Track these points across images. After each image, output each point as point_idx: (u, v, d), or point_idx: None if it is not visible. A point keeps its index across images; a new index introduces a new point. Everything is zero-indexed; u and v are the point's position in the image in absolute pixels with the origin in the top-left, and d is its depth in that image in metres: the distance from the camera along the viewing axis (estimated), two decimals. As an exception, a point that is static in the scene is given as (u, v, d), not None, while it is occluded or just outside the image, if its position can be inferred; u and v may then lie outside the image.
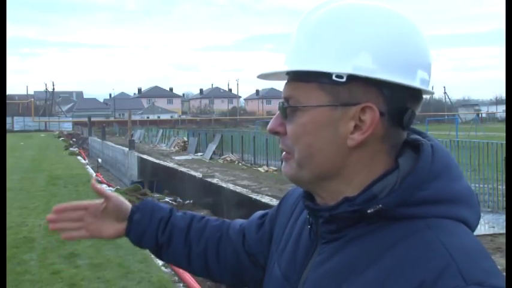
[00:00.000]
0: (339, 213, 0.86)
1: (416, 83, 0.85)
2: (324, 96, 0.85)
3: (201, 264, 1.25)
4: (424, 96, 0.90)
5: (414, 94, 0.86)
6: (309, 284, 0.91)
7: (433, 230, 0.80)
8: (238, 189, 11.29)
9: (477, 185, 9.96)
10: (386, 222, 0.83)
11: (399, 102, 0.85)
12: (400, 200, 0.82)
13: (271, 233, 1.15)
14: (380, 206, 0.82)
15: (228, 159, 20.41)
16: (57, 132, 55.28)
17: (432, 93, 0.92)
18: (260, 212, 1.26)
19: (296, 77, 0.88)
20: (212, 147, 22.46)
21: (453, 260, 0.76)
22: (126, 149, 21.58)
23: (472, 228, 0.86)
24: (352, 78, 0.82)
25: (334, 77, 0.82)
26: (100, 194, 1.25)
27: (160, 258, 1.32)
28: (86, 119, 46.78)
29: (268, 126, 0.93)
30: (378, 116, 0.83)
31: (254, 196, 10.13)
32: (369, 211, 0.83)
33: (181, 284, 6.11)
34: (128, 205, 1.27)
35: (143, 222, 1.25)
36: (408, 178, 0.83)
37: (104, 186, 14.45)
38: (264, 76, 0.95)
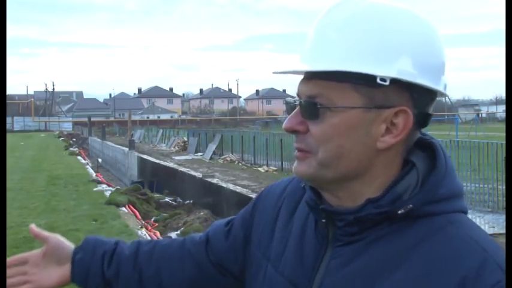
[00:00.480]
0: (364, 216, 0.85)
1: (442, 88, 0.88)
2: (359, 98, 0.83)
3: (154, 286, 1.16)
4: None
5: (433, 97, 0.88)
6: (330, 286, 0.88)
7: (455, 225, 0.83)
8: (238, 189, 11.29)
9: (477, 185, 9.96)
10: (408, 222, 0.84)
11: (424, 106, 0.87)
12: (426, 198, 0.84)
13: (246, 238, 1.10)
14: (411, 206, 0.83)
15: (228, 159, 20.41)
16: (57, 132, 55.25)
17: (447, 95, 0.93)
18: (222, 221, 1.21)
19: (326, 75, 0.84)
20: (212, 147, 22.45)
21: (488, 254, 0.79)
22: (126, 149, 21.58)
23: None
24: (390, 82, 0.82)
25: (378, 80, 0.81)
26: (37, 237, 1.18)
27: None
28: (86, 119, 46.79)
29: (286, 125, 0.89)
30: (412, 120, 0.84)
31: (254, 196, 10.13)
32: (399, 212, 0.83)
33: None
34: (70, 247, 1.18)
35: (86, 260, 1.15)
36: (431, 177, 0.85)
37: (104, 186, 14.46)
38: (283, 72, 0.91)
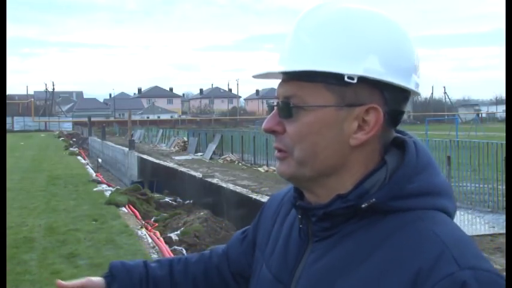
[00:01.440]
0: (332, 210, 0.89)
1: (412, 86, 0.90)
2: (331, 97, 0.87)
3: None
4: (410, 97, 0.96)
5: (406, 96, 0.91)
6: (303, 282, 0.92)
7: (424, 221, 0.84)
8: (238, 189, 11.30)
9: (477, 185, 9.97)
10: (378, 217, 0.87)
11: (396, 104, 0.90)
12: (392, 193, 0.86)
13: (254, 242, 1.16)
14: (373, 200, 0.85)
15: (228, 159, 20.41)
16: (57, 132, 55.24)
17: (419, 94, 0.96)
18: (241, 230, 1.27)
19: (300, 77, 0.88)
20: (212, 147, 22.46)
21: (447, 247, 0.80)
22: (126, 149, 21.59)
23: (452, 218, 0.90)
24: (359, 80, 0.85)
25: (346, 78, 0.85)
26: None
27: None
28: (86, 119, 46.79)
29: (264, 125, 0.93)
30: (382, 116, 0.87)
31: (254, 196, 10.14)
32: (362, 206, 0.86)
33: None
34: (100, 280, 1.21)
35: (124, 286, 1.19)
36: (397, 172, 0.87)
37: (104, 186, 14.46)
38: (261, 76, 0.96)
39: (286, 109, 0.90)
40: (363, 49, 0.86)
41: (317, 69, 0.85)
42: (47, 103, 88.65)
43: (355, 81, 0.85)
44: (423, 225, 0.83)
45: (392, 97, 0.89)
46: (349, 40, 0.86)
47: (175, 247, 8.19)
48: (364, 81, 0.85)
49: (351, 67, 0.85)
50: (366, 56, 0.86)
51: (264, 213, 1.16)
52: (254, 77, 0.96)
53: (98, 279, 1.21)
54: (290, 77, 0.90)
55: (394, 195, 0.86)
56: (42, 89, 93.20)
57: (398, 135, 0.94)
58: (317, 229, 0.92)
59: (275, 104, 0.93)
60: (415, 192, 0.86)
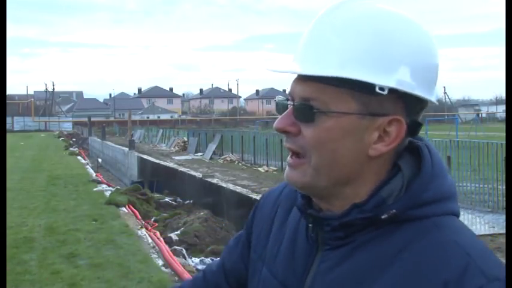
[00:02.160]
0: (349, 221, 0.86)
1: (434, 98, 0.88)
2: (355, 104, 0.83)
3: None
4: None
5: (423, 107, 0.89)
6: None
7: (441, 229, 0.83)
8: (238, 189, 11.30)
9: (477, 185, 9.97)
10: (393, 226, 0.84)
11: (415, 114, 0.88)
12: (410, 202, 0.84)
13: (248, 243, 1.12)
14: (394, 211, 0.83)
15: (228, 159, 20.41)
16: (57, 132, 55.23)
17: (435, 103, 0.93)
18: (232, 238, 1.23)
19: (323, 79, 0.83)
20: (212, 147, 22.46)
21: (471, 258, 0.79)
22: (126, 149, 21.59)
23: (458, 217, 0.90)
24: (388, 91, 0.82)
25: (377, 89, 0.81)
26: None
27: None
28: (86, 119, 46.80)
29: (277, 124, 0.88)
30: (405, 129, 0.85)
31: (254, 196, 10.14)
32: (382, 217, 0.84)
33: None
34: None
35: None
36: (416, 181, 0.85)
37: (104, 186, 14.46)
38: (279, 71, 0.89)
39: (306, 112, 0.85)
40: (396, 59, 0.82)
41: (346, 76, 0.81)
42: (47, 103, 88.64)
43: (385, 92, 0.81)
44: (442, 235, 0.82)
45: (413, 108, 0.86)
46: (381, 47, 0.82)
47: (175, 247, 8.19)
48: (391, 92, 0.82)
49: (382, 77, 0.81)
50: (398, 67, 0.82)
51: (257, 213, 1.12)
52: (269, 70, 0.89)
53: None
54: (311, 77, 0.84)
55: (413, 204, 0.84)
56: (42, 89, 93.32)
57: (411, 139, 0.91)
58: (329, 238, 0.89)
59: (289, 102, 0.88)
60: (430, 200, 0.84)
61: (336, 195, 0.88)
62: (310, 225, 0.92)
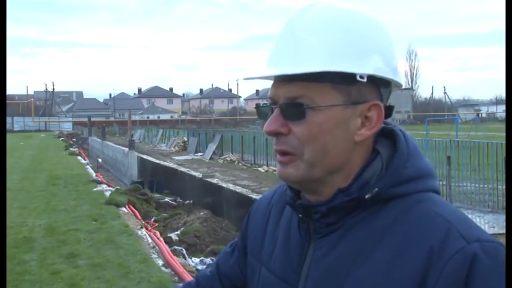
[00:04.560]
0: (336, 205, 0.91)
1: (401, 82, 0.96)
2: (338, 96, 0.89)
3: None
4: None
5: (391, 91, 0.97)
6: (312, 280, 0.93)
7: (424, 203, 0.89)
8: (238, 189, 11.30)
9: (477, 185, 9.97)
10: (379, 205, 0.90)
11: (387, 99, 0.95)
12: (392, 180, 0.90)
13: (244, 249, 1.15)
14: (376, 189, 0.89)
15: (228, 159, 20.42)
16: (57, 133, 55.24)
17: (401, 87, 1.00)
18: (228, 245, 1.25)
19: (305, 77, 0.87)
20: (212, 147, 22.46)
21: (451, 224, 0.85)
22: (126, 149, 21.59)
23: (439, 195, 0.96)
24: (362, 79, 0.89)
25: (358, 78, 0.87)
26: None
27: None
28: (86, 119, 46.78)
29: (268, 128, 0.91)
30: (383, 112, 0.92)
31: (254, 196, 10.14)
32: (366, 196, 0.89)
33: (181, 284, 6.11)
34: None
35: None
36: (393, 160, 0.91)
37: (104, 186, 14.46)
38: (255, 78, 0.92)
39: (295, 110, 0.89)
40: (368, 49, 0.90)
41: (330, 69, 0.86)
42: (47, 103, 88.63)
43: (365, 80, 0.88)
44: (424, 207, 0.88)
45: (386, 93, 0.94)
46: (354, 40, 0.89)
47: (175, 247, 8.19)
48: (368, 80, 0.89)
49: (361, 67, 0.88)
50: (371, 56, 0.89)
51: (251, 219, 1.16)
52: (246, 79, 0.93)
53: None
54: (292, 78, 0.88)
55: (394, 182, 0.90)
56: (42, 89, 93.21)
57: (384, 125, 0.97)
58: (319, 226, 0.94)
59: (274, 105, 0.91)
60: (410, 177, 0.90)
61: (327, 184, 0.93)
62: (300, 215, 0.97)
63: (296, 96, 0.89)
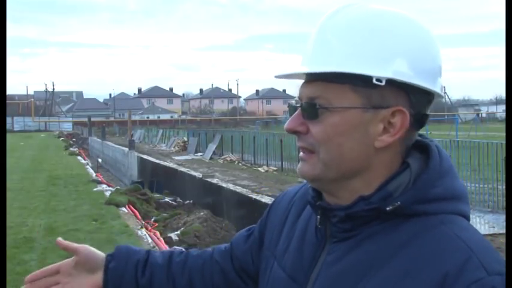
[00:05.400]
0: (355, 212, 0.89)
1: (438, 89, 0.90)
2: (357, 98, 0.87)
3: None
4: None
5: (430, 99, 0.91)
6: (320, 283, 0.92)
7: (447, 225, 0.85)
8: (238, 189, 11.30)
9: (477, 185, 9.96)
10: (400, 220, 0.87)
11: (421, 107, 0.90)
12: (416, 197, 0.86)
13: (260, 240, 1.15)
14: (398, 203, 0.86)
15: (228, 159, 20.42)
16: (57, 133, 55.23)
17: (442, 97, 0.95)
18: (246, 228, 1.26)
19: (325, 78, 0.88)
20: (212, 147, 22.46)
21: (473, 252, 0.80)
22: (126, 149, 21.58)
23: (469, 221, 0.91)
24: (387, 83, 0.85)
25: (374, 81, 0.85)
26: (67, 249, 1.19)
27: None
28: (86, 119, 46.80)
29: (287, 125, 0.93)
30: (408, 119, 0.88)
31: (254, 196, 10.14)
32: (387, 208, 0.86)
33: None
34: (101, 255, 1.20)
35: (119, 269, 1.17)
36: (422, 176, 0.87)
37: (104, 186, 14.46)
38: (284, 76, 0.95)
39: (312, 110, 0.89)
40: (391, 51, 0.86)
41: (344, 70, 0.85)
42: (47, 103, 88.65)
43: (383, 83, 0.85)
44: (447, 230, 0.84)
45: (418, 100, 0.88)
46: (377, 42, 0.86)
47: (175, 247, 8.19)
48: (391, 84, 0.86)
49: (379, 69, 0.85)
50: (394, 59, 0.86)
51: (272, 211, 1.15)
52: (277, 77, 0.96)
53: (99, 253, 1.21)
54: (315, 78, 0.90)
55: (419, 199, 0.86)
56: (42, 89, 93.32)
57: (420, 138, 0.94)
58: (336, 230, 0.92)
59: (298, 104, 0.93)
60: (438, 197, 0.87)
61: (345, 188, 0.91)
62: (318, 216, 0.96)
63: (314, 97, 0.89)
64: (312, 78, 0.90)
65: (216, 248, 1.26)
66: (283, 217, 1.10)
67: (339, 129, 0.88)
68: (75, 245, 1.19)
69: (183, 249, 1.30)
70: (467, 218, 0.89)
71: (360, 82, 0.86)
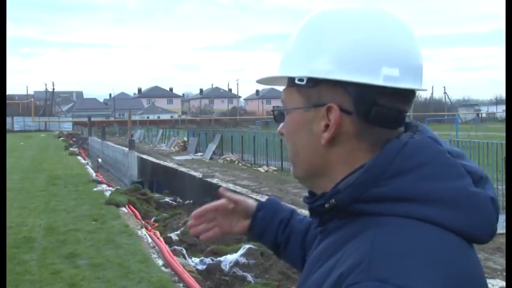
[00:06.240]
0: (312, 208, 0.94)
1: (379, 81, 0.85)
2: (300, 99, 0.92)
3: None
4: (418, 92, 0.93)
5: (385, 91, 0.86)
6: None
7: (379, 228, 0.80)
8: (238, 189, 11.30)
9: (477, 185, 9.95)
10: (353, 218, 0.86)
11: (367, 99, 0.86)
12: (353, 195, 0.85)
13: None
14: (333, 200, 0.87)
15: (228, 159, 20.43)
16: (57, 132, 55.22)
17: (410, 88, 0.89)
18: None
19: (287, 83, 0.96)
20: (212, 147, 22.47)
21: (369, 256, 0.76)
22: (126, 149, 21.60)
23: (467, 234, 0.83)
24: (319, 82, 0.88)
25: (296, 81, 0.90)
26: (230, 200, 1.35)
27: (278, 256, 1.38)
28: (86, 119, 46.81)
29: (278, 129, 1.02)
30: (339, 114, 0.87)
31: (254, 196, 10.14)
32: (326, 205, 0.89)
33: (181, 284, 6.10)
34: (253, 203, 1.36)
35: (265, 220, 1.33)
36: (363, 174, 0.85)
37: (104, 186, 14.46)
38: (263, 81, 1.04)
39: (276, 113, 1.00)
40: (312, 50, 0.89)
41: (276, 75, 0.94)
42: (47, 103, 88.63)
43: (304, 82, 0.89)
44: (374, 232, 0.80)
45: (360, 92, 0.86)
46: (302, 43, 0.91)
47: (175, 247, 8.19)
48: (327, 82, 0.87)
49: (298, 69, 0.90)
50: (315, 57, 0.89)
51: None
52: (258, 81, 1.04)
53: (252, 202, 1.36)
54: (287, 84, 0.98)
55: (355, 198, 0.84)
56: (42, 89, 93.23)
57: (405, 134, 0.88)
58: (316, 223, 0.99)
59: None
60: (382, 197, 0.82)
61: (317, 186, 0.95)
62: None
63: (281, 100, 0.98)
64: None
65: (300, 218, 1.36)
66: None
67: (290, 130, 0.95)
68: (237, 197, 1.36)
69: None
70: (444, 225, 0.80)
71: (301, 84, 0.90)
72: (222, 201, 1.37)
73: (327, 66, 0.87)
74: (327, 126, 0.88)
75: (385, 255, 0.76)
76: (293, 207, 1.43)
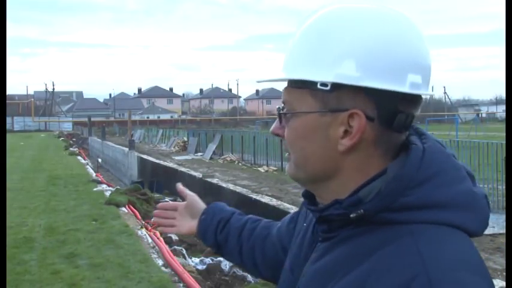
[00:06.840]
0: (327, 215, 0.90)
1: (405, 88, 0.85)
2: (315, 103, 0.88)
3: (250, 260, 1.36)
4: (424, 97, 0.90)
5: (405, 97, 0.86)
6: (306, 278, 0.95)
7: (414, 237, 0.80)
8: (238, 189, 11.31)
9: (477, 185, 9.95)
10: (374, 226, 0.84)
11: (390, 106, 0.85)
12: (382, 205, 0.83)
13: (294, 227, 1.22)
14: (361, 211, 0.84)
15: (228, 159, 20.43)
16: (57, 132, 55.20)
17: (429, 95, 0.92)
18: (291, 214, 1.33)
19: (292, 83, 0.91)
20: (212, 147, 22.47)
21: (425, 268, 0.75)
22: (126, 149, 21.60)
23: (472, 233, 0.85)
24: (340, 86, 0.84)
25: (319, 86, 0.85)
26: (181, 193, 1.47)
27: (222, 256, 1.47)
28: (86, 119, 46.83)
29: (271, 129, 0.99)
30: (365, 121, 0.84)
31: (254, 196, 10.15)
32: (351, 215, 0.85)
33: (181, 284, 6.11)
34: (202, 206, 1.47)
35: (206, 222, 1.42)
36: (391, 184, 0.83)
37: (104, 186, 14.46)
38: (264, 81, 1.01)
39: (280, 115, 0.95)
40: (338, 54, 0.84)
41: (296, 77, 0.88)
42: (47, 103, 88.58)
43: (328, 88, 0.85)
44: (410, 241, 0.79)
45: (383, 100, 0.85)
46: (323, 45, 0.85)
47: (175, 247, 8.20)
48: (347, 87, 0.84)
49: (322, 74, 0.85)
50: (341, 61, 0.84)
51: (303, 208, 1.19)
52: (258, 82, 1.01)
53: (202, 204, 1.49)
54: (288, 83, 0.93)
55: (383, 207, 0.83)
56: (42, 89, 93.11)
57: (414, 138, 0.89)
58: (320, 230, 0.94)
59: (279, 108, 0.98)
60: (408, 206, 0.82)
61: (323, 189, 0.92)
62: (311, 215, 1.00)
63: (284, 101, 0.93)
64: (287, 84, 0.93)
65: (273, 222, 1.38)
66: (304, 215, 1.14)
67: (300, 133, 0.90)
68: (187, 191, 1.49)
69: (261, 219, 1.44)
70: (465, 228, 0.83)
71: (316, 87, 0.86)
72: (180, 202, 1.49)
73: (355, 72, 0.83)
74: (345, 132, 0.86)
75: (439, 266, 0.76)
76: (238, 210, 1.49)
